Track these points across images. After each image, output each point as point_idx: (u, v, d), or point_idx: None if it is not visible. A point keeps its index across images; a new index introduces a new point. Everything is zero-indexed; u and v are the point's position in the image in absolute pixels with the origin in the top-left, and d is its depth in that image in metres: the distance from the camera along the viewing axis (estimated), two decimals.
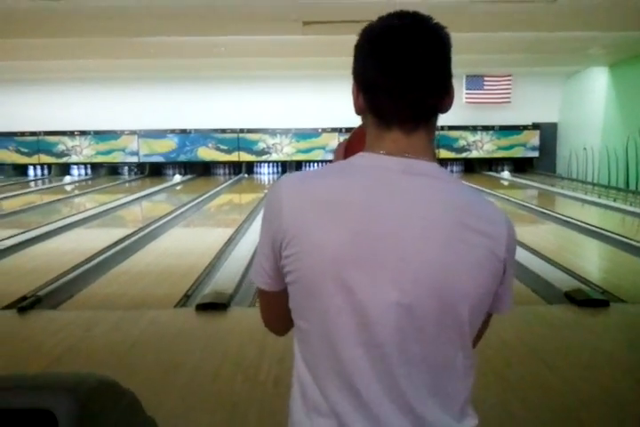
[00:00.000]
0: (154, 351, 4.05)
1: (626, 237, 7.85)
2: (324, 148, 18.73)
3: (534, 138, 18.75)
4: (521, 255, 6.78)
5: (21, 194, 14.75)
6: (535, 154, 18.88)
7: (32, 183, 17.99)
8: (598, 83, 16.10)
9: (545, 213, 10.50)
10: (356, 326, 1.15)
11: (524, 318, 4.67)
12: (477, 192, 1.30)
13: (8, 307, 5.05)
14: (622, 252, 7.34)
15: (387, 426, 1.16)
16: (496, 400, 3.24)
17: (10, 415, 1.99)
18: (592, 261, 7.55)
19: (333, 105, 18.21)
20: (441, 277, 1.15)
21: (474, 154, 18.96)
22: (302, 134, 18.80)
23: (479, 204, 1.26)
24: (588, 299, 4.97)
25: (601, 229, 8.54)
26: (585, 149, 16.47)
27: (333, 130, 18.57)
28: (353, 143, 1.42)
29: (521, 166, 18.98)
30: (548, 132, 18.69)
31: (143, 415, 2.50)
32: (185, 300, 5.36)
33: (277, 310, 1.32)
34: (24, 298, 5.20)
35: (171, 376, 3.60)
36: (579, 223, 9.10)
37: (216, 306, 4.91)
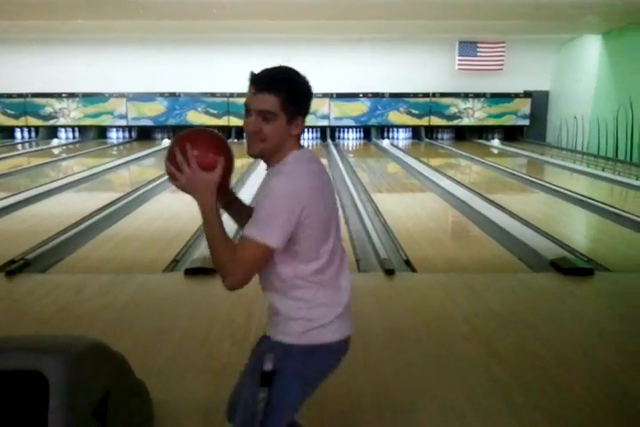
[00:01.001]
0: (143, 315, 4.07)
1: (613, 207, 7.90)
2: (314, 113, 18.59)
3: (525, 106, 18.69)
4: (508, 223, 6.84)
5: (8, 157, 14.60)
6: (526, 122, 18.85)
7: (19, 146, 17.81)
8: (591, 51, 16.01)
9: (534, 182, 10.53)
10: (341, 250, 2.00)
11: (509, 285, 4.72)
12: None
13: None
14: (609, 221, 7.40)
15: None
16: (482, 367, 3.29)
17: (1, 377, 2.01)
18: (579, 230, 7.61)
19: (324, 70, 18.06)
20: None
21: (465, 121, 18.90)
22: None
23: None
24: (573, 267, 5.03)
25: (589, 198, 8.59)
26: (575, 117, 16.46)
27: (324, 95, 18.41)
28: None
29: (511, 134, 18.96)
30: (540, 101, 18.63)
31: (133, 378, 2.53)
32: (174, 264, 5.38)
33: (263, 265, 1.87)
34: (12, 262, 5.19)
35: (160, 340, 3.62)
36: (567, 192, 9.14)
37: (205, 271, 4.92)
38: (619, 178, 11.07)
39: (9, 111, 18.90)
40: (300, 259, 1.88)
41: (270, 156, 1.94)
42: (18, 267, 5.03)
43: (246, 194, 8.92)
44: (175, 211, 8.13)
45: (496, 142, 18.21)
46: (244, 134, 1.97)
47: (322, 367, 2.01)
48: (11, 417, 2.03)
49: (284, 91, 1.88)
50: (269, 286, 1.96)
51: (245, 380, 2.04)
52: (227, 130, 19.02)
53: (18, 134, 19.32)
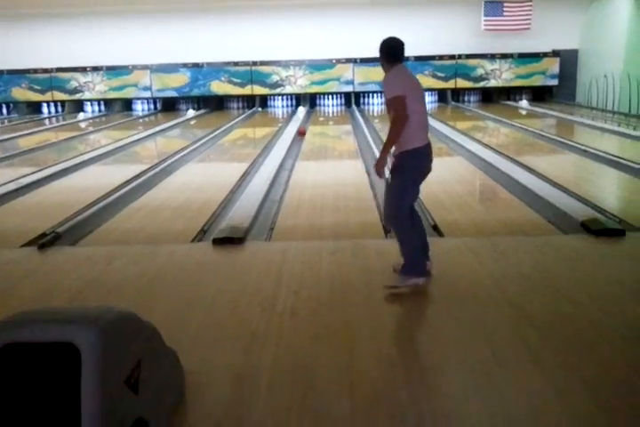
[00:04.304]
0: (172, 285, 4.12)
1: None
2: (338, 79, 18.42)
3: (554, 65, 18.28)
4: (537, 185, 6.75)
5: (36, 132, 14.74)
6: (554, 82, 18.46)
7: (46, 121, 17.96)
8: (622, 7, 15.53)
9: (563, 143, 10.35)
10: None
11: (540, 248, 4.67)
12: None
13: (28, 244, 5.13)
14: None
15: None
16: (511, 330, 3.27)
17: (34, 349, 2.04)
18: (609, 190, 7.48)
19: (347, 35, 17.84)
20: None
21: (492, 83, 18.57)
22: (316, 66, 18.45)
23: None
24: (605, 228, 4.95)
25: (619, 158, 8.43)
26: (606, 76, 16.07)
27: (348, 60, 18.22)
28: None
29: (540, 95, 18.60)
30: (569, 60, 18.20)
31: (164, 347, 2.56)
32: (202, 235, 5.41)
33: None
34: (43, 235, 5.26)
35: (189, 309, 3.66)
36: (597, 153, 8.97)
37: (232, 240, 4.95)
38: None
39: (35, 86, 19.03)
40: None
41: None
42: (49, 240, 5.10)
43: (273, 159, 8.93)
44: (201, 181, 8.18)
45: (524, 104, 17.87)
46: None
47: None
48: (44, 388, 2.07)
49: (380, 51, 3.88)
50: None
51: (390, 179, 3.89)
52: (250, 99, 18.98)
53: (45, 109, 19.49)
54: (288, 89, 18.69)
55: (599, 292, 3.81)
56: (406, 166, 3.78)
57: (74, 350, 1.95)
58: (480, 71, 18.43)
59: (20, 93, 19.10)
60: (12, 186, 7.59)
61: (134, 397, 2.12)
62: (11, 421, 1.98)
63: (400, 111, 3.69)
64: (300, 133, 12.26)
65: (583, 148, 9.47)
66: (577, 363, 2.91)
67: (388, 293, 3.79)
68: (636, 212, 5.80)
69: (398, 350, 3.15)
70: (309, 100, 18.64)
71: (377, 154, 10.08)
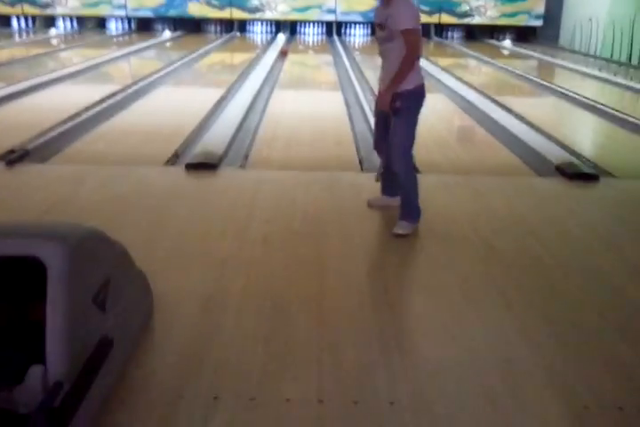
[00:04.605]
0: (143, 208, 4.05)
1: (623, 113, 7.73)
2: (320, 7, 17.88)
3: (539, 5, 17.95)
4: (515, 127, 6.73)
5: (4, 46, 14.18)
6: (539, 23, 18.17)
7: (16, 35, 17.27)
8: None
9: (544, 86, 10.27)
10: None
11: (514, 188, 4.68)
12: None
13: None
14: (618, 128, 7.26)
15: None
16: (480, 266, 3.30)
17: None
18: (587, 135, 7.48)
19: None
20: None
21: (476, 20, 18.21)
22: None
23: None
24: (579, 172, 4.96)
25: (599, 103, 8.39)
26: (590, 19, 15.83)
27: None
28: None
29: (523, 35, 18.32)
30: (555, 0, 17.86)
31: (133, 267, 2.53)
32: (174, 159, 5.31)
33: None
34: (12, 152, 5.12)
35: (160, 233, 3.62)
36: (577, 97, 8.93)
37: (206, 166, 4.87)
38: (631, 84, 10.76)
39: None
40: None
41: None
42: (17, 157, 4.96)
43: (250, 87, 8.74)
44: (175, 106, 7.98)
45: (507, 43, 17.63)
46: None
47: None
48: (8, 303, 2.03)
49: None
50: (394, 60, 3.56)
51: (393, 123, 3.65)
52: (229, 23, 18.40)
53: (14, 23, 18.66)
54: (268, 14, 18.12)
55: (569, 234, 3.85)
56: (411, 106, 3.62)
57: (40, 265, 1.90)
58: (465, 7, 18.04)
59: None
60: None
61: (101, 315, 2.09)
62: None
63: (416, 45, 3.51)
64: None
65: (564, 91, 9.41)
66: (541, 302, 2.95)
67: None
68: (610, 158, 5.82)
69: (368, 280, 3.16)
70: (289, 28, 18.14)
71: (357, 87, 9.99)
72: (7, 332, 2.01)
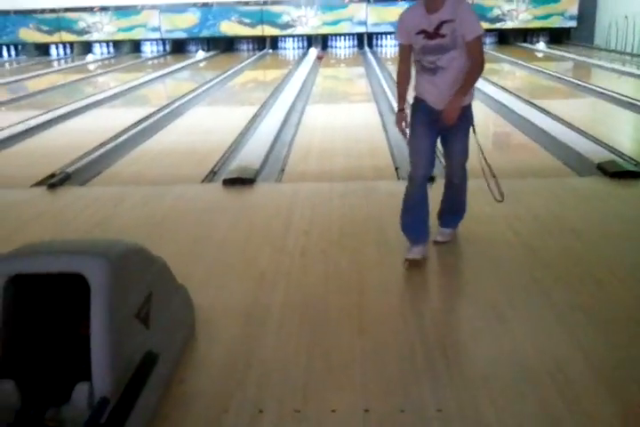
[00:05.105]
0: (182, 225, 4.09)
1: None
2: (350, 19, 17.95)
3: (572, 6, 17.71)
4: (553, 128, 6.63)
5: (44, 74, 14.56)
6: (573, 24, 17.92)
7: (55, 62, 17.72)
8: None
9: (580, 86, 10.11)
10: None
11: (554, 189, 4.60)
12: None
13: (38, 185, 5.10)
14: None
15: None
16: (523, 270, 3.24)
17: (43, 280, 2.02)
18: (627, 133, 7.32)
19: None
20: None
21: (508, 24, 18.05)
22: (328, 5, 17.96)
23: None
24: (621, 170, 4.86)
25: (638, 100, 8.22)
26: (626, 17, 15.56)
27: (361, 0, 17.71)
28: None
29: (557, 37, 18.09)
30: (588, 0, 17.61)
31: (174, 282, 2.54)
32: (211, 176, 5.36)
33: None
34: (53, 175, 5.23)
35: (200, 248, 3.65)
36: (615, 95, 8.76)
37: (243, 181, 4.90)
38: None
39: (43, 27, 18.66)
40: None
41: None
42: (58, 180, 5.06)
43: (284, 102, 8.79)
44: (211, 124, 8.08)
45: (541, 46, 17.41)
46: None
47: None
48: (53, 320, 2.06)
49: None
50: (457, 70, 3.16)
51: (457, 137, 3.33)
52: (261, 40, 18.59)
53: (53, 51, 19.16)
54: (299, 30, 18.26)
55: (613, 233, 3.75)
56: (471, 118, 3.34)
57: (83, 281, 1.92)
58: (496, 12, 17.90)
59: (28, 34, 18.77)
60: (20, 127, 7.52)
61: (145, 330, 2.11)
62: (20, 353, 1.98)
63: (481, 53, 3.17)
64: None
65: (601, 90, 9.24)
66: (589, 302, 2.88)
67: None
68: None
69: (409, 288, 3.14)
70: (321, 42, 18.25)
71: (391, 96, 9.94)
72: (59, 348, 2.04)
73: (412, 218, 3.34)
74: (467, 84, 3.17)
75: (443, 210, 3.60)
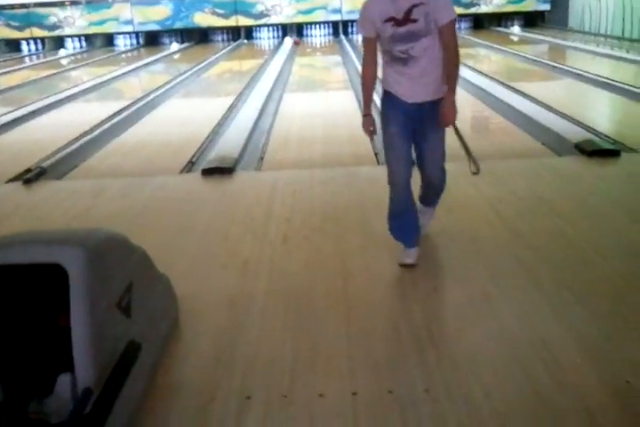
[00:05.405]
0: (162, 215, 4.05)
1: (639, 88, 7.60)
2: (325, 7, 17.85)
3: None
4: (530, 110, 6.64)
5: (16, 70, 14.34)
6: (547, 7, 17.96)
7: (26, 59, 17.46)
8: None
9: (556, 68, 10.14)
10: None
11: (534, 170, 4.60)
12: None
13: (13, 180, 5.02)
14: (635, 102, 7.14)
15: None
16: (507, 250, 3.23)
17: (20, 271, 1.98)
18: (604, 112, 7.35)
19: None
20: None
21: (482, 9, 18.04)
22: None
23: None
24: (599, 149, 4.87)
25: (613, 80, 8.26)
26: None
27: None
28: None
29: (531, 20, 18.13)
30: None
31: (155, 271, 2.50)
32: (190, 166, 5.31)
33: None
34: (28, 170, 5.14)
35: (181, 237, 3.61)
36: (591, 76, 8.79)
37: (222, 170, 4.85)
38: None
39: (12, 23, 18.37)
40: None
41: None
42: (34, 175, 4.99)
43: (260, 91, 8.72)
44: (187, 115, 8.01)
45: (516, 29, 17.47)
46: None
47: None
48: (33, 311, 2.02)
49: None
50: (430, 59, 2.87)
51: (435, 134, 3.03)
52: (235, 30, 18.44)
53: (24, 47, 18.88)
54: (274, 19, 18.13)
55: (594, 211, 3.77)
56: None
57: (62, 271, 1.88)
58: None
59: None
60: None
61: (127, 320, 2.07)
62: None
63: (455, 39, 2.89)
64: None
65: (577, 71, 9.28)
66: (573, 281, 2.88)
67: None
68: (629, 133, 5.71)
69: (393, 272, 3.11)
70: (296, 31, 18.14)
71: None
72: (39, 340, 2.00)
73: (402, 223, 3.10)
74: (452, 76, 2.90)
75: (423, 196, 3.34)
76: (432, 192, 3.29)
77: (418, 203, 3.24)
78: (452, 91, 2.93)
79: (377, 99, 3.36)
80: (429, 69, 2.88)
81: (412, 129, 2.98)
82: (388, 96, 3.00)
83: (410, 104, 2.93)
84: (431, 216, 3.44)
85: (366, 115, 3.05)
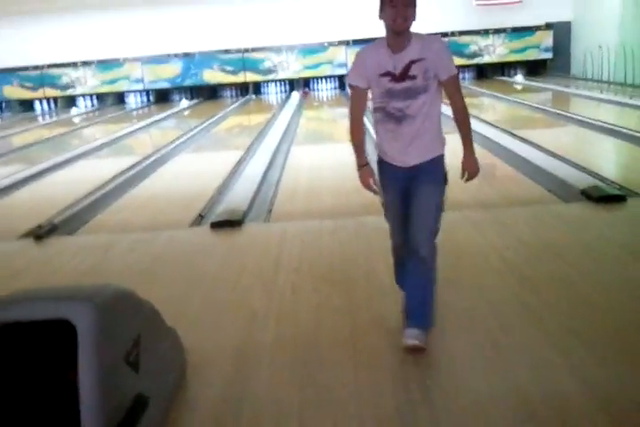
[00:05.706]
0: (172, 268, 4.08)
1: None
2: (331, 62, 18.25)
3: (547, 38, 18.09)
4: (536, 157, 6.71)
5: (29, 129, 14.66)
6: (549, 55, 18.29)
7: (39, 118, 17.87)
8: None
9: (560, 115, 10.27)
10: None
11: (540, 216, 4.62)
12: None
13: (25, 236, 5.08)
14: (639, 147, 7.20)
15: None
16: (514, 297, 3.23)
17: (29, 327, 2.00)
18: (609, 158, 7.41)
19: (338, 16, 17.67)
20: None
21: (486, 59, 18.39)
22: (308, 50, 18.27)
23: None
24: (605, 195, 4.89)
25: (618, 126, 8.35)
26: (600, 47, 15.90)
27: (340, 43, 18.03)
28: None
29: (534, 69, 18.42)
30: (562, 32, 18.00)
31: (163, 325, 2.52)
32: (199, 220, 5.36)
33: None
34: (39, 227, 5.21)
35: (190, 290, 3.63)
36: (595, 122, 8.89)
37: (231, 223, 4.90)
38: None
39: (26, 84, 18.85)
40: None
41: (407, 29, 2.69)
42: (46, 231, 5.05)
43: (269, 144, 8.86)
44: (197, 170, 8.12)
45: (519, 78, 17.74)
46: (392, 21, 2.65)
47: None
48: (42, 367, 2.03)
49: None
50: (426, 118, 2.75)
51: (429, 193, 2.80)
52: (244, 86, 18.84)
53: (37, 106, 19.33)
54: (281, 75, 18.53)
55: (601, 255, 3.76)
56: (445, 176, 2.85)
57: (70, 327, 1.90)
58: (473, 48, 18.25)
59: (12, 92, 18.97)
60: (6, 181, 7.54)
61: (134, 374, 2.08)
62: (7, 400, 1.95)
63: (460, 92, 2.81)
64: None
65: (581, 118, 9.39)
66: (581, 326, 2.86)
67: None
68: (635, 178, 5.74)
69: (400, 322, 3.10)
70: (303, 85, 18.51)
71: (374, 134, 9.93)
72: (47, 395, 2.01)
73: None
74: (467, 132, 2.79)
75: (407, 305, 2.86)
76: (417, 281, 2.80)
77: (406, 330, 2.75)
78: (471, 146, 2.82)
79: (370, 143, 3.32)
80: (423, 130, 2.74)
81: (407, 188, 2.81)
82: (382, 164, 2.88)
83: (404, 168, 2.80)
84: (421, 340, 2.72)
85: (362, 166, 2.85)
